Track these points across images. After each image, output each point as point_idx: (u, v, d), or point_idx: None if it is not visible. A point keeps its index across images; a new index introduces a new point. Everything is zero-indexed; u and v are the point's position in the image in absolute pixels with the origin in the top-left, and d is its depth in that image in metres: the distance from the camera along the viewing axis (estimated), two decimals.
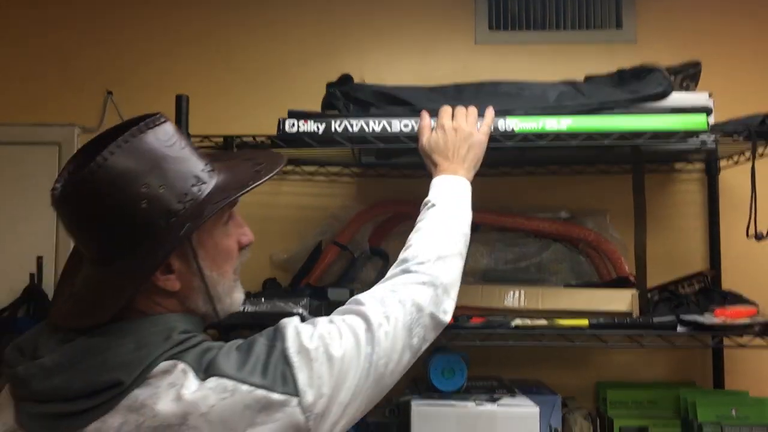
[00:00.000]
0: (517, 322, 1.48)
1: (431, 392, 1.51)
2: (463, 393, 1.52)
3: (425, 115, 1.39)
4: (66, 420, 0.82)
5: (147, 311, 0.90)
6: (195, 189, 0.90)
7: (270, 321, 0.95)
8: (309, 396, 0.85)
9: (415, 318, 1.01)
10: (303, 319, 1.05)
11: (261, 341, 0.88)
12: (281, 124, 1.45)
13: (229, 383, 0.83)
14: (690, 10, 1.95)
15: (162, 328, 0.87)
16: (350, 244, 1.84)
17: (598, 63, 1.90)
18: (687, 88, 1.68)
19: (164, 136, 0.89)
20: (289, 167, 1.85)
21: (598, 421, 1.69)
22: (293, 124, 1.44)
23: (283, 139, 1.44)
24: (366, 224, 1.86)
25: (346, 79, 1.56)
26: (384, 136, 1.44)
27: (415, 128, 1.43)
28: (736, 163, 1.72)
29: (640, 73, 1.57)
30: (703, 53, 1.89)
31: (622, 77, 1.60)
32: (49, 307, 0.93)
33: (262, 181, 0.94)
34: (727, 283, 1.83)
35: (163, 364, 0.84)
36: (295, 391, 0.84)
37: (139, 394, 0.82)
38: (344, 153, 1.65)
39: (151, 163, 0.87)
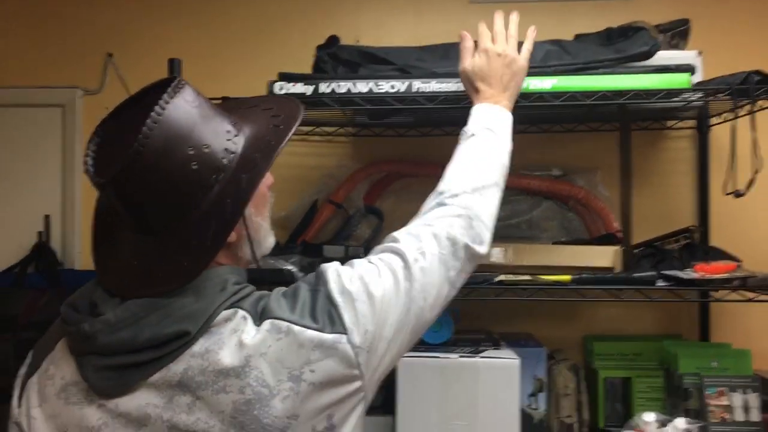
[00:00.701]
0: (501, 277, 1.53)
1: (419, 345, 1.57)
2: (449, 345, 1.58)
3: (467, 36, 1.36)
4: (132, 370, 0.88)
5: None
6: (231, 143, 0.94)
7: (261, 277, 1.01)
8: (355, 333, 0.90)
9: (450, 251, 1.02)
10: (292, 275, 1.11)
11: (304, 287, 0.94)
12: (270, 86, 1.49)
13: (283, 324, 0.88)
14: None
15: (217, 281, 0.92)
16: (345, 203, 1.89)
17: (591, 20, 1.91)
18: (676, 46, 1.70)
19: (190, 98, 0.92)
20: None
21: (583, 372, 1.74)
22: (282, 87, 1.48)
23: None
24: (361, 183, 1.90)
25: (332, 41, 1.59)
26: (371, 97, 1.47)
27: (402, 90, 1.47)
28: (726, 120, 1.74)
29: (628, 31, 1.58)
30: (696, 10, 1.90)
31: (610, 36, 1.61)
32: (99, 275, 0.96)
33: (295, 126, 0.97)
34: (716, 239, 1.86)
35: (225, 313, 0.89)
36: (343, 330, 0.89)
37: (204, 342, 0.88)
38: (339, 113, 1.68)
39: (190, 127, 0.90)
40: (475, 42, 1.37)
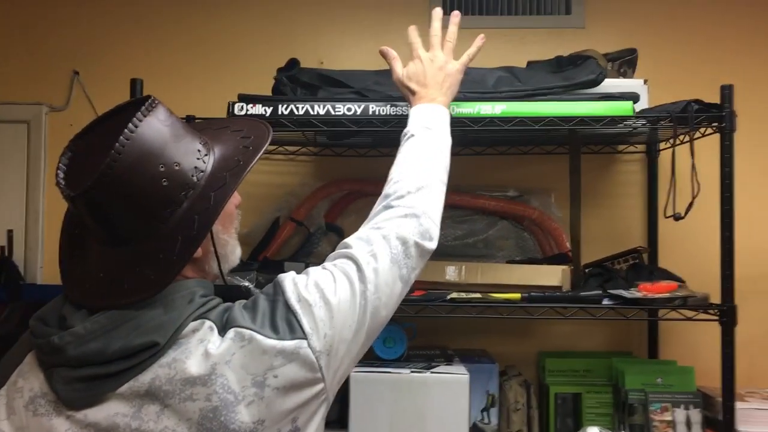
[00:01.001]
0: (453, 295, 1.57)
1: (373, 360, 1.61)
2: (402, 361, 1.62)
3: (388, 50, 1.43)
4: (101, 381, 0.90)
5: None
6: (200, 162, 0.98)
7: (218, 292, 1.04)
8: (315, 338, 0.94)
9: (400, 250, 1.06)
10: (248, 290, 1.15)
11: (262, 298, 0.97)
12: (230, 107, 1.53)
13: (246, 332, 0.92)
14: None
15: (185, 294, 0.95)
16: (306, 220, 1.93)
17: (547, 48, 1.99)
18: (624, 74, 1.77)
19: (163, 117, 0.96)
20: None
21: (532, 388, 1.79)
22: (242, 108, 1.52)
23: None
24: (322, 201, 1.94)
25: (292, 63, 1.64)
26: (328, 119, 1.52)
27: (359, 112, 1.52)
28: (675, 145, 1.81)
29: (577, 60, 1.65)
30: (648, 40, 1.99)
31: (559, 63, 1.68)
32: (67, 288, 0.98)
33: (264, 147, 1.02)
34: (664, 259, 1.93)
35: (192, 324, 0.93)
36: (303, 335, 0.93)
37: (172, 353, 0.91)
38: (300, 134, 1.72)
39: (161, 144, 0.93)
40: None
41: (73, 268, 1.00)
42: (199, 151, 0.98)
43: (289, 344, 0.92)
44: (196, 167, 0.97)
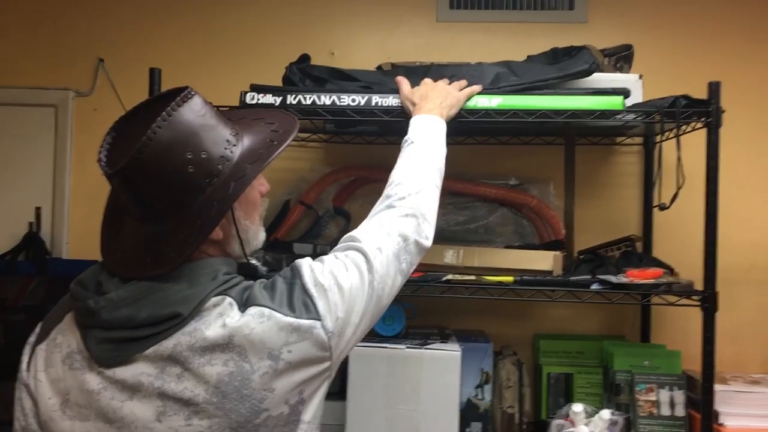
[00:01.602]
0: (449, 276, 1.67)
1: (372, 336, 1.71)
2: (401, 338, 1.72)
3: (401, 78, 1.60)
4: (129, 344, 1.00)
5: (193, 258, 1.04)
6: (228, 152, 1.05)
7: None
8: (329, 320, 1.03)
9: (402, 246, 1.18)
10: (256, 269, 1.27)
11: (280, 280, 1.06)
12: (242, 96, 1.63)
13: (266, 310, 1.01)
14: None
15: (209, 270, 1.04)
16: (315, 204, 2.02)
17: (551, 42, 2.03)
18: (621, 69, 1.84)
19: (197, 108, 1.03)
20: None
21: (524, 367, 1.88)
22: (253, 97, 1.62)
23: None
24: (330, 186, 2.03)
25: (303, 58, 1.73)
26: (333, 109, 1.61)
27: (362, 103, 1.61)
28: (667, 138, 1.88)
29: (572, 51, 1.72)
30: (649, 36, 2.05)
31: (555, 54, 1.75)
32: (104, 257, 1.08)
33: (287, 142, 1.10)
34: (657, 249, 2.00)
35: (214, 299, 1.01)
36: (318, 317, 1.03)
37: (194, 323, 1.00)
38: (309, 122, 1.82)
39: (191, 133, 1.01)
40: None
41: (110, 239, 1.10)
42: (228, 141, 1.06)
43: (304, 323, 1.01)
44: (222, 156, 1.04)
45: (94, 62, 2.16)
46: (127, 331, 1.00)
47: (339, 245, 1.18)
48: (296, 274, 1.07)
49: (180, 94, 1.02)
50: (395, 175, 1.32)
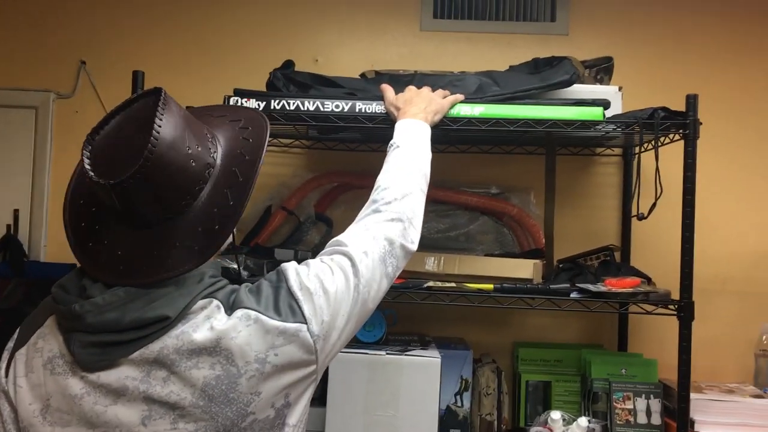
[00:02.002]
0: (430, 283, 1.67)
1: (353, 342, 1.71)
2: (381, 345, 1.72)
3: (386, 86, 1.61)
4: (115, 347, 0.99)
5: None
6: (211, 144, 1.06)
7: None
8: (314, 323, 1.03)
9: (387, 250, 1.18)
10: (239, 273, 1.26)
11: (266, 284, 1.06)
12: (226, 100, 1.63)
13: (252, 313, 1.01)
14: (618, 7, 2.11)
15: (195, 274, 1.03)
16: (297, 210, 2.03)
17: (532, 53, 2.07)
18: (601, 81, 1.86)
19: (175, 108, 1.03)
20: None
21: (503, 374, 1.89)
22: (237, 101, 1.62)
23: None
24: (312, 192, 2.04)
25: (287, 64, 1.73)
26: (316, 115, 1.62)
27: (346, 109, 1.62)
28: (646, 149, 1.91)
29: (552, 61, 1.74)
30: (628, 48, 2.09)
31: (537, 64, 1.77)
32: (84, 263, 1.04)
33: (267, 137, 1.13)
34: (636, 258, 2.03)
35: (201, 302, 1.01)
36: (303, 320, 1.03)
37: (180, 326, 0.99)
38: (292, 128, 1.82)
39: (185, 129, 1.01)
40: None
41: (92, 249, 1.05)
42: (206, 134, 1.07)
43: (290, 326, 1.01)
44: (209, 148, 1.05)
45: (75, 64, 2.15)
46: (112, 334, 0.99)
47: (325, 249, 1.19)
48: (282, 277, 1.07)
49: (157, 94, 1.01)
50: (381, 180, 1.32)
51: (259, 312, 1.01)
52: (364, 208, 1.28)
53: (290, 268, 1.09)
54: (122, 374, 0.99)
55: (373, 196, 1.29)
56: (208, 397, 0.98)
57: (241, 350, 0.99)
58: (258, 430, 1.01)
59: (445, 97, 1.59)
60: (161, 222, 1.02)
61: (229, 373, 0.98)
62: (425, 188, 1.36)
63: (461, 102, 1.62)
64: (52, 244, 2.12)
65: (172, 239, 1.01)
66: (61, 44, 2.16)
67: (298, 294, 1.04)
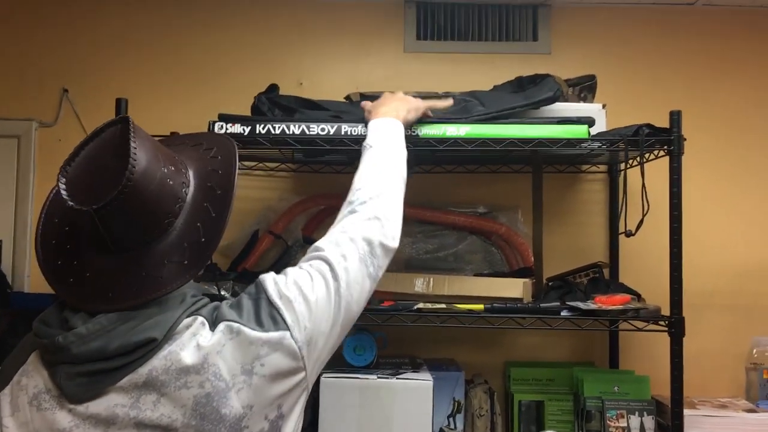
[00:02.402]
0: (420, 305, 1.66)
1: (343, 367, 1.70)
2: (372, 368, 1.70)
3: (366, 102, 1.59)
4: (102, 376, 0.97)
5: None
6: (182, 164, 1.07)
7: None
8: (297, 330, 1.03)
9: (367, 251, 1.17)
10: (223, 298, 1.25)
11: (246, 297, 1.06)
12: (211, 126, 1.62)
13: (234, 325, 1.00)
14: (600, 26, 2.14)
15: (176, 295, 1.02)
16: (284, 234, 2.02)
17: (515, 72, 2.07)
18: (585, 99, 1.88)
19: (142, 132, 1.03)
20: None
21: (496, 395, 1.87)
22: (221, 126, 1.62)
23: None
24: (299, 215, 2.03)
25: (272, 88, 1.73)
26: (302, 139, 1.61)
27: (332, 132, 1.61)
28: (632, 166, 1.91)
29: (536, 79, 1.75)
30: (609, 66, 2.10)
31: (521, 83, 1.78)
32: (60, 293, 1.04)
33: (237, 164, 1.12)
34: (624, 274, 2.03)
35: (186, 321, 1.01)
36: (286, 327, 1.02)
37: (167, 347, 0.98)
38: (278, 151, 1.82)
39: (156, 151, 1.02)
40: None
41: (73, 282, 1.05)
42: (174, 156, 1.08)
43: (273, 335, 1.01)
44: (180, 169, 1.06)
45: (58, 92, 2.13)
46: (99, 363, 0.98)
47: (304, 256, 1.18)
48: (261, 289, 1.07)
49: (125, 121, 1.02)
50: (356, 181, 1.32)
51: (241, 324, 1.01)
52: (341, 209, 1.27)
53: (268, 278, 1.08)
54: (111, 402, 0.97)
55: (349, 197, 1.28)
56: (200, 415, 0.97)
57: (227, 364, 0.98)
58: None
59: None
60: (145, 243, 1.02)
61: (219, 389, 0.97)
62: (402, 185, 1.35)
63: (447, 123, 1.62)
64: (36, 274, 2.09)
65: (161, 258, 1.02)
66: (42, 72, 2.14)
67: (278, 303, 1.04)
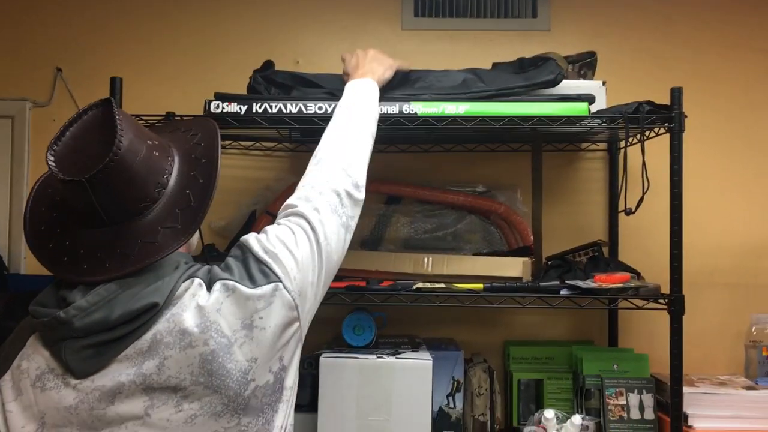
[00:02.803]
0: (419, 285, 1.66)
1: (343, 347, 1.69)
2: (371, 348, 1.70)
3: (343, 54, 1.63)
4: (108, 346, 1.00)
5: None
6: (164, 141, 1.12)
7: None
8: (287, 280, 1.08)
9: (336, 201, 1.22)
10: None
11: (232, 259, 1.10)
12: (207, 105, 1.60)
13: (229, 283, 1.04)
14: (599, 2, 2.11)
15: (169, 263, 1.06)
16: None
17: (514, 49, 2.07)
18: (585, 76, 1.86)
19: (123, 112, 1.08)
20: (227, 141, 1.98)
21: (495, 374, 1.87)
22: (218, 106, 1.60)
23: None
24: None
25: (267, 65, 1.71)
26: (299, 117, 1.59)
27: (329, 111, 1.59)
28: (631, 144, 1.90)
29: (538, 61, 1.73)
30: (609, 43, 2.08)
31: (522, 65, 1.76)
32: (52, 268, 1.07)
33: (218, 137, 1.18)
34: (623, 253, 2.02)
35: (184, 284, 1.04)
36: (277, 278, 1.07)
37: (168, 311, 1.01)
38: (275, 131, 1.80)
39: (139, 127, 1.09)
40: None
41: (61, 257, 1.06)
42: (154, 135, 1.13)
43: (267, 288, 1.05)
44: (163, 145, 1.11)
45: (52, 72, 2.10)
46: (103, 334, 0.99)
47: (278, 215, 1.21)
48: (245, 249, 1.11)
49: (107, 102, 1.06)
50: (325, 136, 1.35)
51: (235, 281, 1.05)
52: (308, 165, 1.30)
53: (251, 238, 1.12)
54: (117, 372, 0.99)
55: (315, 152, 1.32)
56: (207, 372, 1.00)
57: (227, 321, 1.02)
58: (261, 397, 1.04)
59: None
60: (137, 213, 1.05)
61: (222, 345, 1.00)
62: (369, 140, 1.38)
63: (446, 100, 1.60)
64: (32, 256, 2.07)
65: (154, 225, 1.05)
66: (36, 52, 2.11)
67: (265, 258, 1.08)
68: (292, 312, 1.08)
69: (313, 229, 1.16)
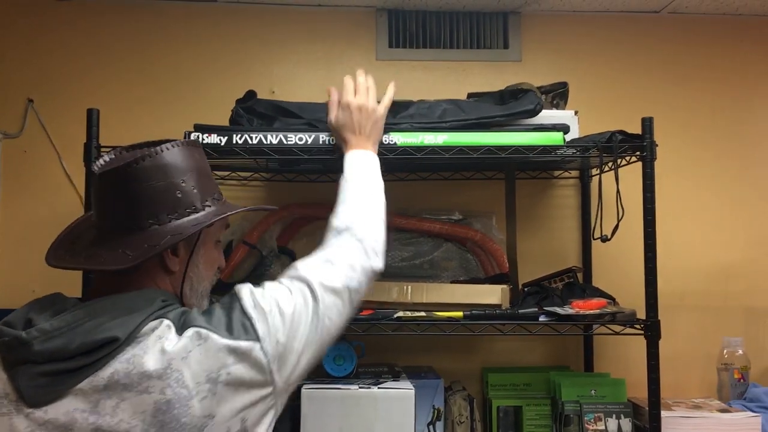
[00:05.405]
0: (399, 314, 1.66)
1: (323, 377, 1.68)
2: (352, 378, 1.69)
3: (334, 91, 1.58)
4: (63, 376, 0.96)
5: (141, 287, 1.07)
6: (211, 200, 1.14)
7: None
8: (268, 342, 1.02)
9: (349, 275, 1.18)
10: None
11: (218, 306, 1.05)
12: (186, 136, 1.59)
13: (203, 331, 0.99)
14: (569, 33, 2.16)
15: (147, 298, 1.03)
16: (259, 244, 1.99)
17: (487, 79, 2.12)
18: (557, 106, 1.90)
19: (201, 155, 1.16)
20: None
21: (475, 401, 1.87)
22: (198, 137, 1.59)
23: None
24: (274, 225, 2.01)
25: (249, 95, 1.72)
26: (279, 148, 1.60)
27: (309, 142, 1.60)
28: (603, 171, 1.94)
29: (518, 93, 1.76)
30: (579, 73, 2.13)
31: (503, 96, 1.79)
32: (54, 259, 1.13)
33: (253, 208, 1.32)
34: (597, 278, 2.06)
35: (152, 323, 0.99)
36: (257, 338, 1.01)
37: (131, 350, 0.97)
38: (252, 161, 1.80)
39: (192, 168, 1.11)
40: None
41: (65, 255, 1.12)
42: (217, 192, 1.16)
43: (243, 344, 1.00)
44: (206, 200, 1.13)
45: (23, 103, 2.07)
46: (60, 363, 0.96)
47: (283, 274, 1.18)
48: (235, 298, 1.06)
49: (192, 141, 1.15)
50: (339, 209, 1.32)
51: (210, 330, 0.99)
52: (325, 235, 1.28)
53: (244, 288, 1.08)
54: (70, 407, 0.95)
55: (332, 223, 1.29)
56: (160, 423, 0.94)
57: (191, 371, 0.97)
58: None
59: (381, 104, 1.58)
60: (120, 231, 1.06)
61: (180, 396, 0.95)
62: (383, 213, 1.36)
63: (425, 131, 1.62)
64: (3, 288, 2.03)
65: (120, 246, 1.05)
66: (6, 82, 2.07)
67: (252, 312, 1.03)
68: (263, 376, 1.02)
69: (315, 298, 1.12)
